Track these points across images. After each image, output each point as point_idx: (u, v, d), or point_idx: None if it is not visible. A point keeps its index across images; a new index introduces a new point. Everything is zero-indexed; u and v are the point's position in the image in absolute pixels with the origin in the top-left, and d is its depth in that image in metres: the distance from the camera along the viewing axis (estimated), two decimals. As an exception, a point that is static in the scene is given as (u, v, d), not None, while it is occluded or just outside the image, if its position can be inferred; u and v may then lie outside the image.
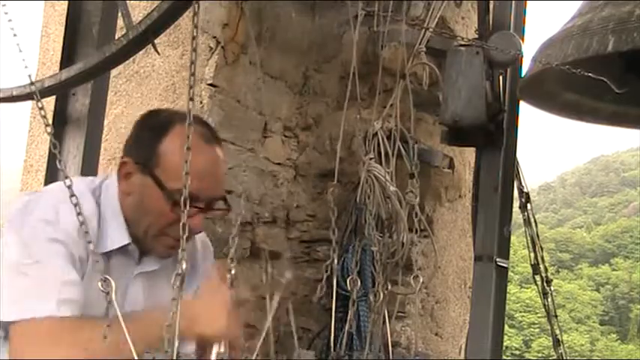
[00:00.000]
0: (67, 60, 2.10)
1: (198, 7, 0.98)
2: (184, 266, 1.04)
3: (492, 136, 1.76)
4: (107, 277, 1.21)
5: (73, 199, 1.31)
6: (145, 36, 1.61)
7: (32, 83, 1.34)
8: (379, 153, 2.47)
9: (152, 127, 1.50)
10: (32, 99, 2.11)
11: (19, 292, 1.37)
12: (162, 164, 1.45)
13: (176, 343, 1.00)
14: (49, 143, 1.07)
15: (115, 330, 1.21)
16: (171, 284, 1.50)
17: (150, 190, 1.45)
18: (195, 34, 0.93)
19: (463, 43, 1.83)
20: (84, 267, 1.44)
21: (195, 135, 1.35)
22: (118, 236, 1.50)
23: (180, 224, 1.07)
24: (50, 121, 2.09)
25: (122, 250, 1.51)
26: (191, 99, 0.97)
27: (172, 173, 1.43)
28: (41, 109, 1.17)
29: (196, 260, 1.66)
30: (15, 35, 1.23)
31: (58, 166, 1.10)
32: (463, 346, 2.96)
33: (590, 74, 1.53)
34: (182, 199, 1.09)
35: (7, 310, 1.34)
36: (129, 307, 1.51)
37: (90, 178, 1.60)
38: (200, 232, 1.53)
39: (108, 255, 1.50)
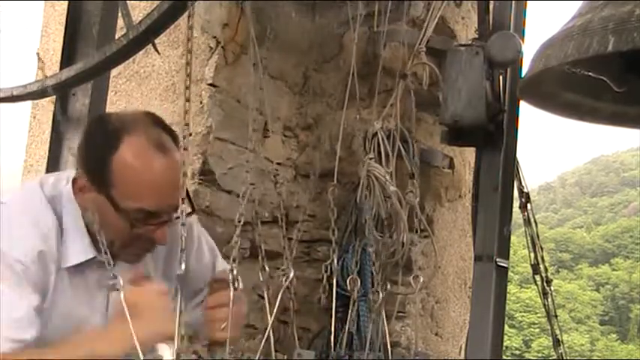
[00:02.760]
0: (67, 60, 2.10)
1: (193, 8, 0.98)
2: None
3: (492, 136, 1.75)
4: (115, 274, 1.20)
5: (17, 221, 1.30)
6: (145, 36, 1.62)
7: (34, 83, 1.34)
8: (379, 153, 2.46)
9: (102, 139, 1.41)
10: (32, 99, 2.12)
11: None
12: (116, 183, 1.37)
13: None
14: (50, 142, 1.07)
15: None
16: (149, 272, 1.47)
17: (106, 209, 1.38)
18: (189, 35, 0.93)
19: (463, 43, 1.83)
20: (45, 288, 1.39)
21: (146, 143, 1.36)
22: (81, 251, 1.43)
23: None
24: (51, 119, 2.10)
25: (90, 263, 1.45)
26: (187, 100, 0.98)
27: (127, 192, 1.36)
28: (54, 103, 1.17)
29: (176, 244, 1.59)
30: (16, 37, 1.22)
31: (60, 166, 1.10)
32: (463, 346, 2.96)
33: (590, 74, 1.52)
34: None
35: None
36: (100, 316, 1.47)
37: (51, 180, 1.51)
38: (165, 239, 1.44)
39: (78, 267, 1.44)
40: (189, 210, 1.41)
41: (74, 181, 1.45)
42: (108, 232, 1.39)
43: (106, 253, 1.36)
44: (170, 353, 1.20)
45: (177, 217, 1.39)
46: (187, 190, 1.43)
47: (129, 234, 1.39)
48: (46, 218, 1.42)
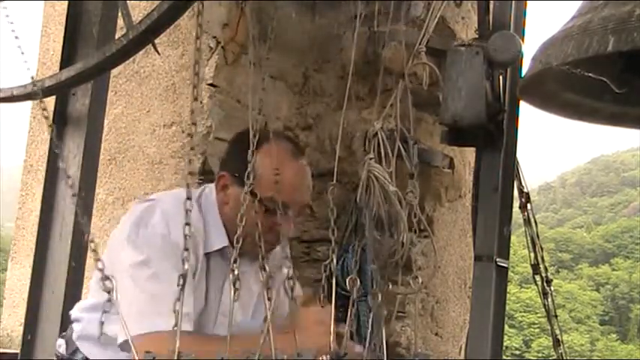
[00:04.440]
0: (67, 60, 2.10)
1: (202, 6, 0.98)
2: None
3: (492, 136, 1.75)
4: (108, 275, 1.23)
5: (170, 210, 1.55)
6: (145, 36, 1.61)
7: (34, 83, 1.34)
8: (379, 153, 2.46)
9: (246, 145, 1.60)
10: (32, 99, 2.11)
11: (138, 307, 1.49)
12: (255, 175, 1.56)
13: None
14: (50, 142, 1.08)
15: (236, 345, 1.29)
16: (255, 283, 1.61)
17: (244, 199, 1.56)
18: (199, 33, 0.93)
19: (463, 43, 1.83)
20: (194, 271, 1.63)
21: (283, 151, 1.70)
22: (218, 239, 1.70)
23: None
24: (51, 119, 2.10)
25: (220, 252, 1.70)
26: (195, 99, 0.98)
27: (264, 183, 1.59)
28: (44, 109, 1.18)
29: (275, 265, 1.81)
30: (17, 38, 1.23)
31: (60, 165, 1.10)
32: (463, 346, 2.96)
33: (590, 74, 1.52)
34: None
35: (129, 324, 1.42)
36: (224, 304, 1.70)
37: (192, 189, 1.77)
38: (290, 236, 1.78)
39: (208, 256, 1.69)
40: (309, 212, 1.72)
41: (219, 178, 1.75)
42: (245, 224, 1.55)
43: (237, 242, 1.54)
44: None
45: (303, 215, 1.83)
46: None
47: (260, 223, 1.53)
48: (194, 212, 1.68)
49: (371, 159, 2.41)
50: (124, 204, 2.72)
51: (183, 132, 2.62)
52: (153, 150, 2.69)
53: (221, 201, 1.73)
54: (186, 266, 1.49)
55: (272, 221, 1.66)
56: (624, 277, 44.03)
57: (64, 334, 1.79)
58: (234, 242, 1.53)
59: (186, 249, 1.20)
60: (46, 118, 1.14)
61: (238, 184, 1.67)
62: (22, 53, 1.25)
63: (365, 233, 2.41)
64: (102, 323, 1.44)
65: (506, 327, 1.94)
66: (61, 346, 1.76)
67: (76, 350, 1.71)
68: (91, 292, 1.82)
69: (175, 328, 1.39)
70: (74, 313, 1.79)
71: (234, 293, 1.14)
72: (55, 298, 1.95)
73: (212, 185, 1.79)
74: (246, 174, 1.59)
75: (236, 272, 1.40)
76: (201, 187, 1.82)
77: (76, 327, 1.74)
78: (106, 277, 1.20)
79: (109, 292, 1.24)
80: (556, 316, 1.87)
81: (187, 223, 1.14)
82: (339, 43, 2.96)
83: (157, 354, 1.35)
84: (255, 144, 1.61)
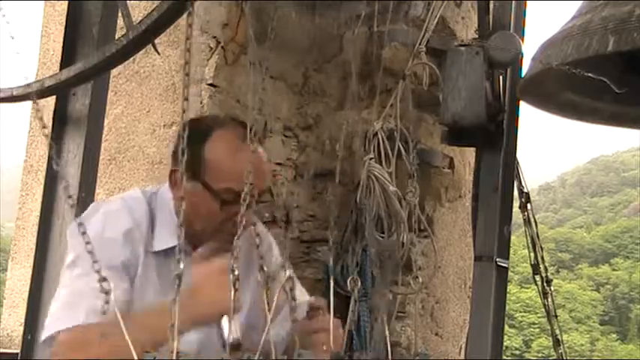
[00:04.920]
0: (67, 60, 2.10)
1: (193, 7, 0.98)
2: (181, 266, 1.06)
3: (492, 136, 1.76)
4: (105, 276, 1.23)
5: (111, 208, 1.51)
6: (145, 36, 1.61)
7: (28, 85, 1.34)
8: (379, 153, 2.47)
9: (195, 133, 1.57)
10: (32, 99, 2.11)
11: (60, 304, 1.49)
12: (208, 167, 1.55)
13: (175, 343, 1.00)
14: (48, 144, 1.08)
15: (115, 331, 1.25)
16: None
17: (199, 194, 1.55)
18: (188, 34, 0.93)
19: (463, 43, 1.83)
20: (133, 269, 1.56)
21: (235, 136, 1.58)
22: (167, 238, 1.61)
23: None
24: (50, 121, 2.10)
25: (174, 250, 1.60)
26: (186, 99, 0.97)
27: (218, 174, 1.55)
28: (38, 110, 1.17)
29: (253, 255, 1.72)
30: (12, 38, 1.23)
31: (55, 167, 1.11)
32: (463, 346, 2.96)
33: (590, 74, 1.53)
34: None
35: (50, 321, 1.47)
36: None
37: (149, 188, 1.74)
38: (250, 226, 1.64)
39: (163, 254, 1.61)
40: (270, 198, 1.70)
41: (171, 173, 1.66)
42: (198, 219, 1.55)
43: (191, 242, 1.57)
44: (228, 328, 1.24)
45: (263, 202, 1.65)
46: (270, 188, 1.71)
47: (218, 216, 1.55)
48: (140, 208, 1.62)
49: (371, 159, 2.42)
50: (124, 204, 2.72)
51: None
52: (153, 150, 2.69)
53: (175, 196, 1.66)
54: (120, 258, 1.51)
55: (232, 212, 1.56)
56: (624, 277, 44.00)
57: None
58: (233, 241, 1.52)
59: (181, 250, 1.20)
60: (40, 119, 1.14)
61: (191, 178, 1.58)
62: (18, 53, 1.24)
63: (365, 233, 2.41)
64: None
65: (506, 327, 1.94)
66: None
67: None
68: None
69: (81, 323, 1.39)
70: None
71: (234, 293, 1.12)
72: (55, 298, 1.95)
73: (167, 184, 1.73)
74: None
75: (236, 272, 1.40)
76: (158, 186, 1.76)
77: None
78: (103, 279, 1.20)
79: (106, 293, 1.24)
80: (556, 316, 1.87)
81: (181, 224, 1.11)
82: (339, 43, 2.96)
83: (75, 348, 1.38)
84: (204, 133, 1.59)
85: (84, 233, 1.48)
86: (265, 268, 1.27)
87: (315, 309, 1.60)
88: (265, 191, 1.66)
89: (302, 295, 1.88)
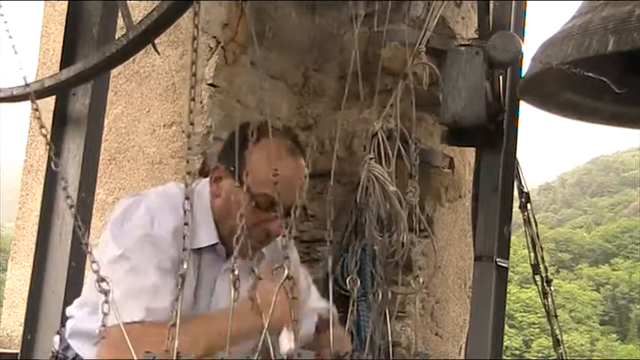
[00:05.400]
0: (67, 60, 2.10)
1: (199, 7, 0.98)
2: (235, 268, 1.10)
3: (492, 136, 1.76)
4: (104, 277, 1.23)
5: (157, 205, 1.52)
6: (145, 36, 1.61)
7: (27, 85, 1.34)
8: (379, 153, 2.47)
9: (245, 135, 1.59)
10: (31, 99, 2.11)
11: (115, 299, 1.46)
12: (249, 169, 1.55)
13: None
14: (46, 144, 1.08)
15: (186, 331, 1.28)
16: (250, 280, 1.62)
17: (237, 193, 1.57)
18: (195, 34, 0.93)
19: (463, 43, 1.83)
20: (179, 266, 1.55)
21: (279, 146, 1.62)
22: (207, 235, 1.64)
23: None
24: (50, 122, 2.10)
25: (211, 248, 1.66)
26: (193, 99, 0.97)
27: (256, 178, 1.54)
28: (36, 110, 1.17)
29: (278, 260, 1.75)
30: (10, 37, 1.22)
31: (54, 168, 1.10)
32: (463, 346, 2.96)
33: (590, 74, 1.53)
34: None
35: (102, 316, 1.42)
36: (216, 300, 1.66)
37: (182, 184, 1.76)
38: (278, 235, 1.64)
39: (199, 252, 1.64)
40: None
41: (213, 169, 1.69)
42: (233, 217, 1.54)
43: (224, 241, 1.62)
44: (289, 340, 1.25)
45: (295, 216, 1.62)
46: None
47: (251, 219, 1.52)
48: (182, 205, 1.57)
49: (371, 159, 2.42)
50: (124, 204, 2.71)
51: (183, 132, 2.62)
52: (153, 150, 2.69)
53: (213, 193, 1.69)
54: (184, 265, 1.50)
55: (261, 218, 1.61)
56: (624, 277, 43.99)
57: (60, 330, 1.79)
58: (234, 241, 1.52)
59: (185, 249, 1.18)
60: (38, 118, 1.14)
61: (231, 177, 1.62)
62: (16, 53, 1.24)
63: (365, 233, 2.41)
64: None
65: (506, 327, 1.93)
66: (56, 342, 1.75)
67: (68, 347, 1.71)
68: (84, 288, 1.82)
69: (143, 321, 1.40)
70: (69, 309, 1.79)
71: (234, 293, 1.13)
72: (55, 298, 1.95)
73: (206, 180, 1.75)
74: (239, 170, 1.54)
75: (236, 272, 1.40)
76: (195, 183, 1.77)
77: (68, 323, 1.73)
78: (102, 279, 1.20)
79: (105, 294, 1.24)
80: (556, 316, 1.87)
81: (186, 223, 1.12)
82: (339, 43, 2.96)
83: (130, 344, 1.37)
84: (253, 138, 1.62)
85: (137, 227, 1.52)
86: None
87: (325, 322, 1.63)
88: (298, 206, 1.64)
89: (320, 302, 1.92)
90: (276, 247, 1.77)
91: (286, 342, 1.20)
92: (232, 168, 1.60)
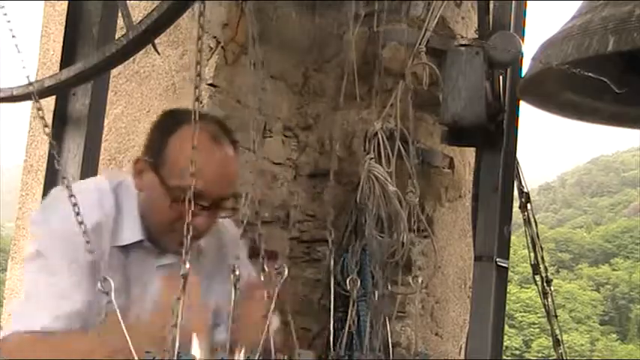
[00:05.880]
0: (67, 60, 2.10)
1: (204, 7, 0.98)
2: (187, 266, 1.05)
3: (492, 136, 1.76)
4: (106, 276, 1.22)
5: (81, 198, 1.34)
6: (145, 36, 1.61)
7: (31, 84, 1.34)
8: (379, 153, 2.47)
9: (163, 127, 1.55)
10: (32, 99, 2.11)
11: (21, 303, 1.44)
12: (167, 162, 1.48)
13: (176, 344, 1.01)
14: (49, 143, 1.08)
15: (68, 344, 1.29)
16: (196, 272, 1.55)
17: (158, 189, 1.48)
18: (200, 33, 0.93)
19: (463, 43, 1.83)
20: (98, 265, 1.46)
21: (203, 134, 1.44)
22: (132, 232, 1.55)
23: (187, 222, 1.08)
24: (50, 121, 2.10)
25: (138, 244, 1.56)
26: (197, 99, 0.97)
27: (174, 171, 1.46)
28: (39, 109, 1.17)
29: (224, 254, 1.68)
30: (14, 37, 1.22)
31: (57, 167, 1.11)
32: (463, 346, 2.96)
33: (590, 74, 1.53)
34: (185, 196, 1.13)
35: (13, 319, 1.42)
36: (150, 299, 1.53)
37: (117, 175, 1.66)
38: (206, 231, 1.54)
39: (125, 249, 1.55)
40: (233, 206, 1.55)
41: (135, 162, 1.58)
42: (155, 213, 1.51)
43: (152, 238, 1.52)
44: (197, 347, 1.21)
45: (225, 209, 1.53)
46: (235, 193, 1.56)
47: (173, 216, 1.46)
48: (109, 199, 1.55)
49: (371, 159, 2.42)
50: (124, 204, 2.72)
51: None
52: (153, 150, 2.69)
53: (135, 187, 1.57)
54: (88, 258, 1.39)
55: (181, 212, 1.42)
56: (624, 277, 44.00)
57: None
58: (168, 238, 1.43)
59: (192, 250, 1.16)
60: (42, 118, 1.14)
61: (152, 170, 1.50)
62: (19, 52, 1.24)
63: (365, 233, 2.41)
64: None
65: (506, 327, 1.93)
66: None
67: None
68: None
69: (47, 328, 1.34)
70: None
71: (235, 293, 1.12)
72: (55, 298, 1.95)
73: None
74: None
75: (237, 273, 1.35)
76: (127, 174, 1.64)
77: None
78: (104, 279, 1.20)
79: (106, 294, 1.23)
80: (556, 316, 1.87)
81: (187, 233, 1.09)
82: (339, 43, 2.96)
83: (22, 354, 1.33)
84: (172, 126, 1.50)
85: (49, 223, 1.44)
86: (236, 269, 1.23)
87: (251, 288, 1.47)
88: (228, 197, 1.54)
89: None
90: (219, 239, 1.67)
91: (199, 352, 1.16)
92: (151, 160, 1.50)
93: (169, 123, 1.54)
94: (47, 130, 1.09)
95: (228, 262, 1.65)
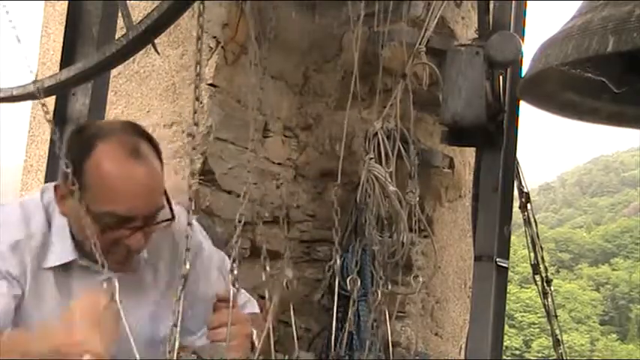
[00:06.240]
0: (67, 60, 2.10)
1: (203, 7, 0.98)
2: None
3: (492, 136, 1.76)
4: (111, 276, 1.21)
5: (3, 216, 1.37)
6: (145, 36, 1.62)
7: (29, 85, 1.34)
8: (379, 153, 2.46)
9: (78, 146, 1.45)
10: (32, 99, 2.11)
11: None
12: (88, 187, 1.39)
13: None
14: (50, 142, 1.08)
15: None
16: (147, 283, 1.50)
17: (81, 213, 1.39)
18: (200, 34, 0.93)
19: (463, 43, 1.83)
20: (21, 284, 1.44)
21: (120, 148, 1.40)
22: (62, 253, 1.48)
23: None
24: (51, 119, 2.10)
25: (74, 262, 1.50)
26: (197, 99, 0.98)
27: (98, 196, 1.39)
28: (44, 105, 1.18)
29: (178, 254, 1.61)
30: (19, 41, 1.23)
31: (63, 168, 1.10)
32: (463, 346, 2.96)
33: (589, 74, 1.52)
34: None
35: None
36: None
37: (50, 186, 1.57)
38: (143, 247, 1.49)
39: (64, 268, 1.49)
40: (169, 217, 1.47)
41: (55, 188, 1.49)
42: (86, 238, 1.40)
43: (87, 257, 1.44)
44: None
45: (158, 223, 1.46)
46: (168, 196, 1.49)
47: (104, 240, 1.38)
48: (37, 218, 1.48)
49: (371, 159, 2.42)
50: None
51: (183, 132, 2.62)
52: (153, 150, 2.69)
53: (62, 213, 1.50)
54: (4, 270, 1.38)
55: (115, 236, 1.41)
56: (624, 277, 44.01)
57: None
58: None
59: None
60: (47, 113, 1.14)
61: (73, 195, 1.37)
62: (22, 51, 1.25)
63: (365, 233, 2.41)
64: None
65: (506, 327, 1.93)
66: None
67: None
68: None
69: None
70: None
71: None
72: (55, 298, 1.95)
73: None
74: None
75: (236, 287, 1.31)
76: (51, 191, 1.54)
77: None
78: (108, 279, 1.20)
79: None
80: (556, 316, 1.87)
81: (189, 233, 1.08)
82: (339, 43, 2.96)
83: None
84: (86, 146, 1.41)
85: None
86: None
87: (222, 301, 1.46)
88: (159, 209, 1.47)
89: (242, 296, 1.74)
90: (171, 241, 1.60)
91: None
92: (71, 186, 1.36)
93: (81, 146, 1.44)
94: (50, 126, 1.09)
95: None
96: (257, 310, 1.76)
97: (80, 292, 1.46)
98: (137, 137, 1.47)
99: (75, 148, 1.44)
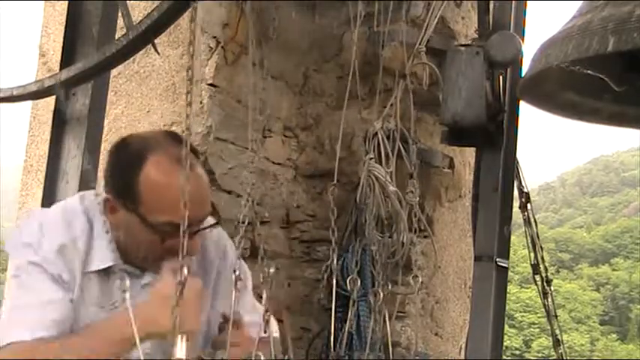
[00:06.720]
0: (67, 60, 2.10)
1: (196, 12, 0.98)
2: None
3: (492, 136, 1.75)
4: (124, 275, 1.23)
5: (46, 220, 1.41)
6: (145, 36, 1.62)
7: (29, 85, 1.34)
8: (379, 153, 2.47)
9: (126, 161, 1.49)
10: (32, 99, 2.12)
11: (5, 318, 1.44)
12: (144, 200, 1.44)
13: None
14: (49, 141, 1.08)
15: (69, 345, 1.31)
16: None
17: (137, 226, 1.45)
18: (191, 38, 0.93)
19: (463, 43, 1.83)
20: (71, 285, 1.47)
21: (170, 159, 1.44)
22: (102, 257, 1.52)
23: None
24: (51, 121, 2.10)
25: (115, 267, 1.53)
26: (189, 104, 0.97)
27: (155, 208, 1.43)
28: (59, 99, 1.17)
29: (209, 263, 1.68)
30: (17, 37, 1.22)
31: (109, 180, 1.10)
32: (463, 346, 2.96)
33: (589, 72, 1.52)
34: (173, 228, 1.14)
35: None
36: None
37: (91, 193, 1.61)
38: (195, 253, 1.54)
39: (106, 272, 1.53)
40: (214, 221, 1.55)
41: (105, 201, 1.54)
42: (140, 249, 1.49)
43: (130, 263, 1.51)
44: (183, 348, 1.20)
45: (204, 228, 1.52)
46: (212, 202, 1.55)
47: (160, 248, 1.45)
48: (79, 222, 1.52)
49: (371, 159, 2.42)
50: (124, 204, 2.72)
51: (183, 132, 2.61)
52: (153, 150, 2.69)
53: (112, 224, 1.54)
54: (55, 273, 1.44)
55: (175, 243, 1.40)
56: (624, 277, 44.02)
57: None
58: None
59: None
60: (59, 121, 1.14)
61: (126, 208, 1.47)
62: (22, 52, 1.24)
63: (365, 233, 2.41)
64: None
65: (506, 327, 1.93)
66: None
67: None
68: None
69: (26, 339, 1.36)
70: None
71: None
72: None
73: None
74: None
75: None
76: (92, 196, 1.59)
77: None
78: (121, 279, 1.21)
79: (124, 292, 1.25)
80: (556, 316, 1.87)
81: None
82: (339, 43, 2.96)
83: None
84: (136, 159, 1.45)
85: (25, 245, 1.45)
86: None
87: (227, 322, 1.50)
88: (208, 214, 1.53)
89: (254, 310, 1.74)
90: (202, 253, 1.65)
91: (178, 350, 1.15)
92: (122, 200, 1.46)
93: (130, 160, 1.48)
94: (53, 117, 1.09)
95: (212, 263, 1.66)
96: (274, 333, 1.76)
97: (133, 290, 1.50)
98: (180, 146, 1.47)
99: (123, 162, 1.49)
